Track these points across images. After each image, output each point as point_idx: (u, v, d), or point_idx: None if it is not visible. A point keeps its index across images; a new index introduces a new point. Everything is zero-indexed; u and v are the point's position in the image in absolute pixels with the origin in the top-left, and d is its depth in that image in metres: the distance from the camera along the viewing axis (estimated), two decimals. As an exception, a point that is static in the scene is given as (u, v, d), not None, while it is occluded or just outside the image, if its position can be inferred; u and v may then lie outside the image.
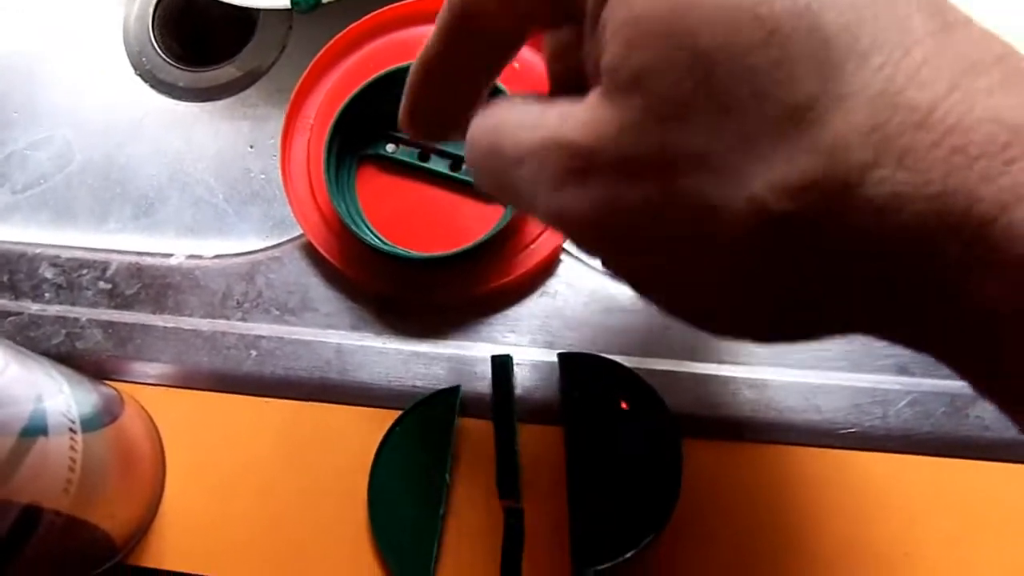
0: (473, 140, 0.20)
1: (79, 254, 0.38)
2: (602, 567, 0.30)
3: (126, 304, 0.37)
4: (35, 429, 0.27)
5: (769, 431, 0.33)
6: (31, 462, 0.27)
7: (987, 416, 0.32)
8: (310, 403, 0.34)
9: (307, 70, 0.38)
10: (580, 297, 0.35)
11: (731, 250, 0.15)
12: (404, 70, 0.35)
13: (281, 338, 0.35)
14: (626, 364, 0.33)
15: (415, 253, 0.34)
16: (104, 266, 0.37)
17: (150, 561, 0.33)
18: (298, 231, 0.38)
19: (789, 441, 0.33)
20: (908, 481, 0.32)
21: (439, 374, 0.34)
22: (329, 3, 0.41)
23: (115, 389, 0.34)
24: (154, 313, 0.36)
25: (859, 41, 0.14)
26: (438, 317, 0.35)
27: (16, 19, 0.50)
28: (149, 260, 0.37)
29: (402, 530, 0.32)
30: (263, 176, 0.45)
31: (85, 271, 0.37)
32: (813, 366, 0.34)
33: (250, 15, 0.48)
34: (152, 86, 0.48)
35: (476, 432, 0.33)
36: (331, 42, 0.38)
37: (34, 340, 0.36)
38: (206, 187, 0.46)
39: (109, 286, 0.37)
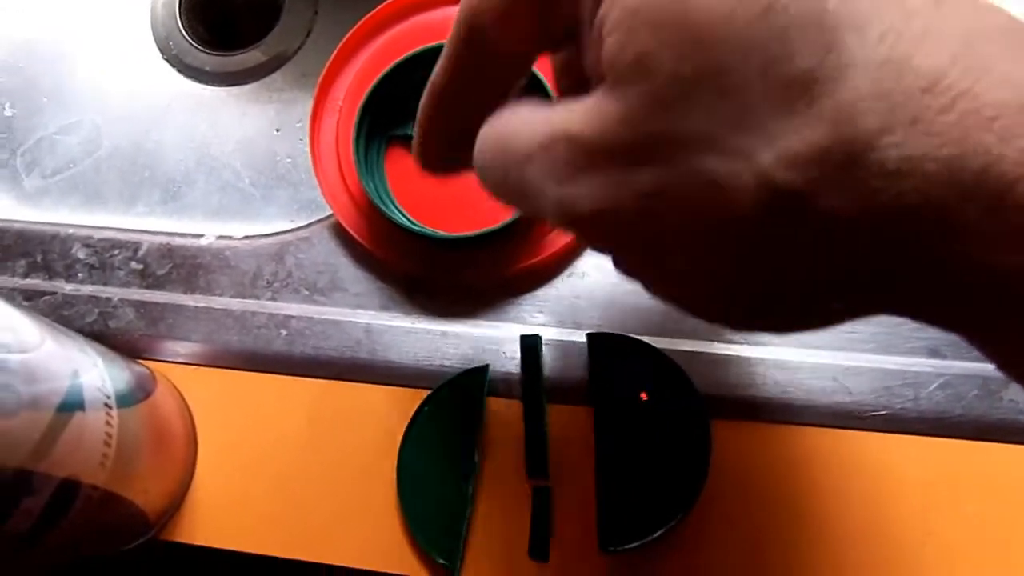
0: (482, 143, 0.20)
1: (111, 235, 0.38)
2: (629, 547, 0.30)
3: (157, 284, 0.37)
4: (72, 404, 0.27)
5: (798, 413, 0.33)
6: (68, 437, 0.27)
7: (1020, 399, 0.32)
8: (339, 382, 0.35)
9: (335, 53, 0.38)
10: (608, 278, 0.35)
11: (740, 230, 0.15)
12: (432, 50, 0.35)
13: (311, 318, 0.36)
14: (654, 345, 0.33)
15: (444, 233, 0.34)
16: (136, 247, 0.38)
17: (182, 536, 0.34)
18: (324, 213, 0.38)
19: (818, 423, 0.32)
20: (940, 464, 0.32)
21: (468, 354, 0.34)
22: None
23: (147, 367, 0.35)
24: (185, 293, 0.37)
25: (858, 12, 0.14)
26: (467, 297, 0.35)
27: (45, 6, 0.51)
28: (180, 241, 0.38)
29: (431, 508, 0.32)
30: (289, 160, 0.45)
31: (117, 252, 0.38)
32: (842, 347, 0.33)
33: (276, 0, 0.48)
34: (179, 71, 0.49)
35: (504, 411, 0.34)
36: (358, 24, 0.38)
37: (68, 319, 0.36)
38: (233, 171, 0.46)
39: (141, 266, 0.37)
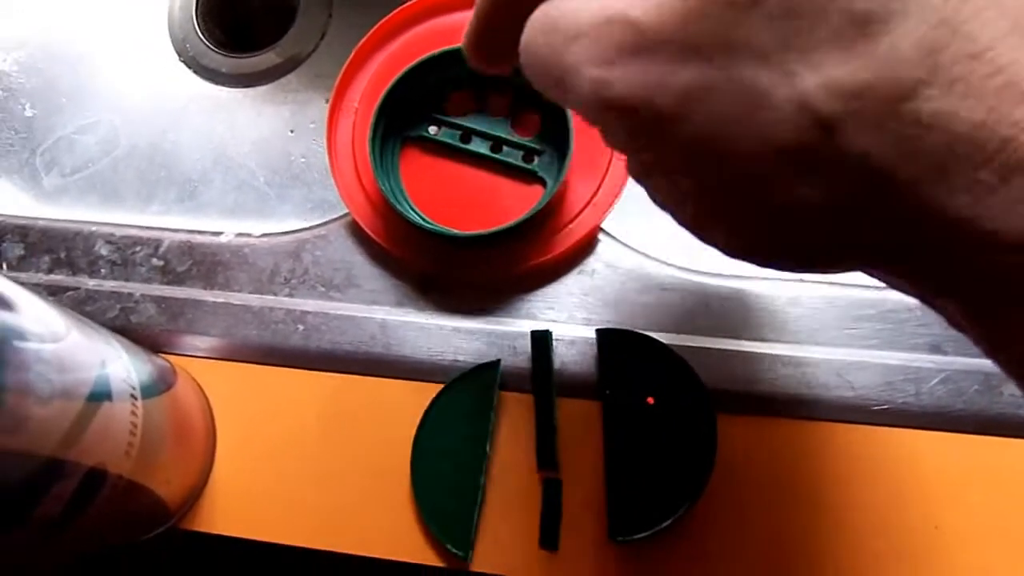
0: (532, 21, 0.20)
1: (133, 232, 0.39)
2: (637, 536, 0.31)
3: (178, 280, 0.38)
4: (101, 394, 0.28)
5: (802, 407, 0.33)
6: (97, 426, 0.28)
7: (1020, 394, 0.33)
8: (355, 376, 0.36)
9: (351, 56, 0.39)
10: (617, 275, 0.36)
11: (764, 149, 0.16)
12: (446, 54, 0.36)
13: (327, 313, 0.36)
14: (662, 340, 0.34)
15: (457, 232, 0.35)
16: (157, 244, 0.39)
17: (201, 526, 0.34)
18: (338, 212, 0.39)
19: (822, 417, 0.33)
20: (941, 458, 0.32)
21: (480, 349, 0.35)
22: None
23: (168, 361, 0.35)
24: (205, 289, 0.38)
25: None
26: (479, 294, 0.36)
27: (65, 9, 0.52)
28: (200, 238, 0.39)
29: (444, 498, 0.33)
30: (303, 160, 0.46)
31: (139, 248, 0.39)
32: (846, 343, 0.34)
33: (291, 2, 0.49)
34: (196, 72, 0.50)
35: (516, 405, 0.34)
36: (374, 28, 0.39)
37: (90, 314, 0.37)
38: (248, 171, 0.47)
39: (162, 263, 0.38)
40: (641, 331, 0.34)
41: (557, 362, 0.35)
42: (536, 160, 0.37)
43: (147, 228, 0.39)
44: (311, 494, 0.34)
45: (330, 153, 0.38)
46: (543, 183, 0.37)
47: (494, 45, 0.23)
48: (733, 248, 0.19)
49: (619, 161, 0.36)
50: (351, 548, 0.33)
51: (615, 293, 0.36)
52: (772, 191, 0.16)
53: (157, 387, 0.32)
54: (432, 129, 0.39)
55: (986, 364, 0.33)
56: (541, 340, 0.34)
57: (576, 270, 0.36)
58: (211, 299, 0.37)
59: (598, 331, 0.34)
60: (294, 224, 0.40)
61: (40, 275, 0.39)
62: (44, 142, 0.49)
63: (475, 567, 0.32)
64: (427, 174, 0.38)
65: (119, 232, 0.39)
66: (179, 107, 0.49)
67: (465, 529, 0.32)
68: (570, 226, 0.36)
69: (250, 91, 0.48)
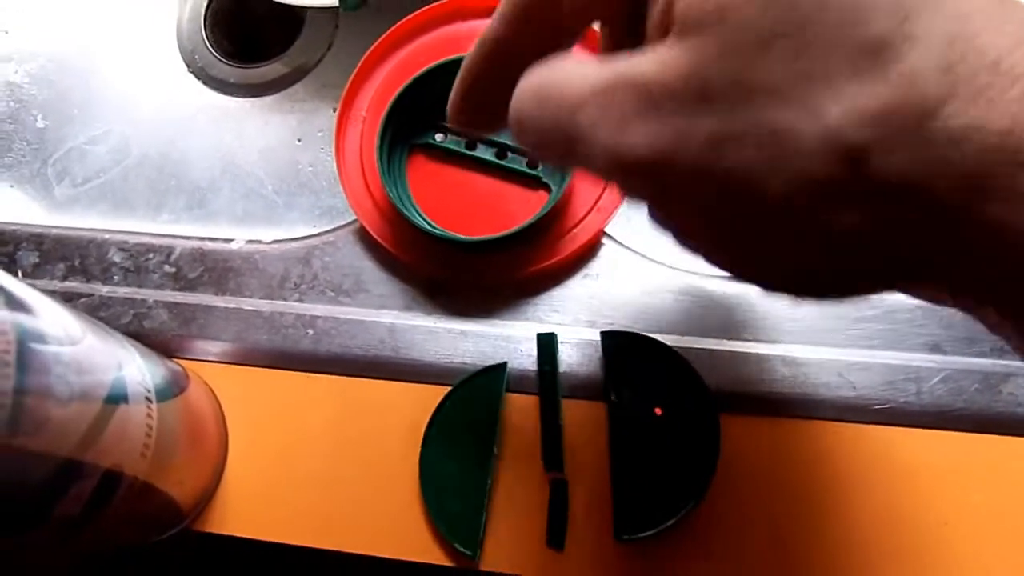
0: (523, 92, 0.19)
1: (145, 239, 0.40)
2: (643, 535, 0.31)
3: (190, 286, 0.39)
4: (117, 396, 0.29)
5: (804, 407, 0.34)
6: (114, 428, 0.28)
7: (1020, 393, 0.33)
8: (364, 379, 0.36)
9: (358, 66, 0.40)
10: (621, 278, 0.37)
11: (802, 188, 0.16)
12: (453, 63, 0.37)
13: (336, 318, 0.37)
14: (666, 342, 0.34)
15: (464, 237, 0.36)
16: (169, 251, 0.39)
17: (213, 527, 0.35)
18: (346, 219, 0.40)
19: (824, 417, 0.34)
20: (941, 456, 0.33)
21: (487, 352, 0.36)
22: (374, 1, 0.43)
23: (180, 366, 0.36)
24: (216, 295, 0.38)
25: None
26: (486, 298, 0.37)
27: (75, 22, 0.53)
28: (211, 245, 0.39)
29: (452, 500, 0.33)
30: (311, 168, 0.47)
31: (151, 255, 0.39)
32: (847, 344, 0.35)
33: (298, 13, 0.50)
34: (204, 83, 0.50)
35: (522, 407, 0.35)
36: (381, 38, 0.40)
37: (104, 320, 0.38)
38: (256, 179, 0.48)
39: (174, 269, 0.39)
40: (645, 333, 0.35)
41: (562, 364, 0.35)
42: (540, 166, 0.38)
43: (159, 236, 0.40)
44: (321, 495, 0.35)
45: (338, 161, 0.39)
46: (548, 188, 0.37)
47: (480, 110, 0.23)
48: (772, 285, 0.19)
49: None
50: (360, 548, 0.34)
51: (619, 296, 0.36)
52: (808, 227, 0.16)
53: (171, 391, 0.33)
54: (438, 136, 0.39)
55: (986, 363, 0.34)
56: (546, 343, 0.35)
57: (580, 274, 0.37)
58: (222, 305, 0.38)
59: (602, 333, 0.35)
60: (302, 231, 0.41)
61: (55, 282, 0.39)
62: (56, 152, 0.50)
63: (483, 566, 0.33)
64: (434, 180, 0.39)
65: (132, 239, 0.40)
66: (188, 117, 0.50)
67: (473, 529, 0.33)
68: (574, 230, 0.36)
69: (258, 101, 0.49)
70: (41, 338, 0.26)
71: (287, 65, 0.50)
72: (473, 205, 0.38)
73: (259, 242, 0.39)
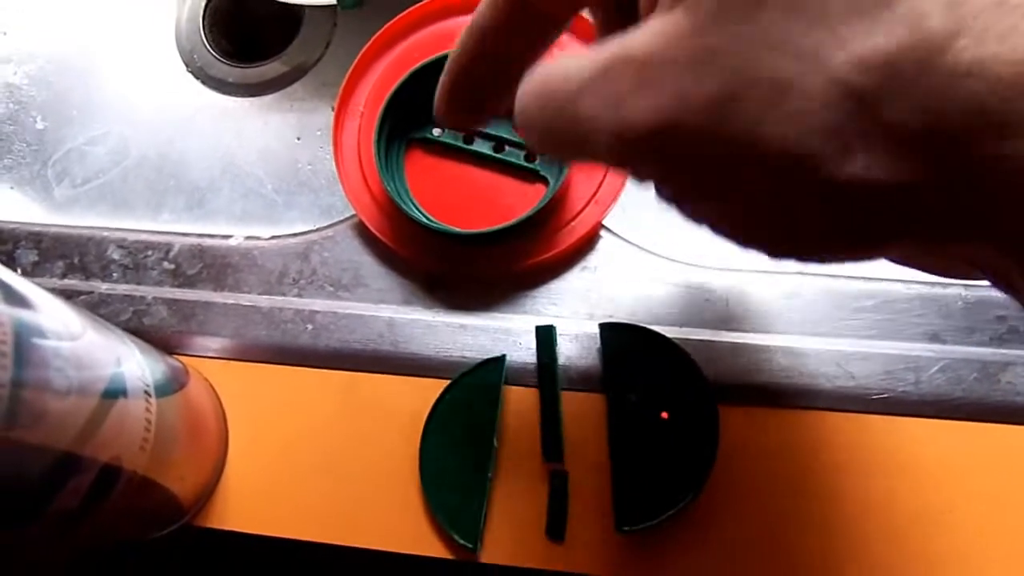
0: (525, 92, 0.19)
1: (144, 237, 0.40)
2: (643, 526, 0.31)
3: (189, 283, 0.39)
4: (116, 391, 0.29)
5: (803, 397, 0.34)
6: (112, 422, 0.28)
7: (1018, 382, 0.33)
8: (364, 374, 0.36)
9: (355, 61, 0.40)
10: (619, 271, 0.37)
11: (812, 139, 0.15)
12: (447, 57, 0.37)
13: (335, 313, 0.37)
14: (664, 334, 0.34)
15: (462, 230, 0.36)
16: (168, 248, 0.40)
17: (213, 522, 0.35)
18: (345, 216, 0.40)
19: (823, 407, 0.34)
20: (940, 445, 0.33)
21: (485, 345, 0.36)
22: (373, -2, 0.43)
23: (180, 362, 0.36)
24: (215, 291, 0.38)
25: None
26: (484, 291, 0.37)
27: (73, 23, 0.53)
28: (209, 242, 0.39)
29: (452, 492, 0.33)
30: (310, 167, 0.47)
31: (150, 252, 0.40)
32: (845, 334, 0.35)
33: (296, 13, 0.50)
34: (203, 82, 0.50)
35: (521, 399, 0.35)
36: (378, 33, 0.40)
37: (104, 317, 0.38)
38: (255, 178, 0.48)
39: (173, 266, 0.39)
40: (643, 325, 0.35)
41: (561, 356, 0.35)
42: (538, 159, 0.38)
43: (158, 233, 0.40)
44: (321, 489, 0.35)
45: (336, 156, 0.39)
46: (545, 182, 0.38)
47: (466, 104, 0.23)
48: (781, 248, 0.18)
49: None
50: (361, 542, 0.34)
51: (617, 288, 0.36)
52: (819, 180, 0.16)
53: (170, 386, 0.33)
54: (436, 131, 0.39)
55: (985, 353, 0.34)
56: (545, 335, 0.35)
57: (579, 266, 0.37)
58: (221, 301, 0.38)
59: (601, 325, 0.35)
60: (302, 229, 0.41)
61: (54, 280, 0.39)
62: (55, 154, 0.50)
63: (483, 558, 0.33)
64: (431, 175, 0.39)
65: (131, 237, 0.40)
66: (187, 117, 0.50)
67: (473, 521, 0.33)
68: (572, 223, 0.36)
69: (257, 100, 0.49)
70: (40, 332, 0.26)
71: (286, 64, 0.50)
72: (471, 199, 0.38)
73: (257, 238, 0.39)
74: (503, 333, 0.36)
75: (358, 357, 0.36)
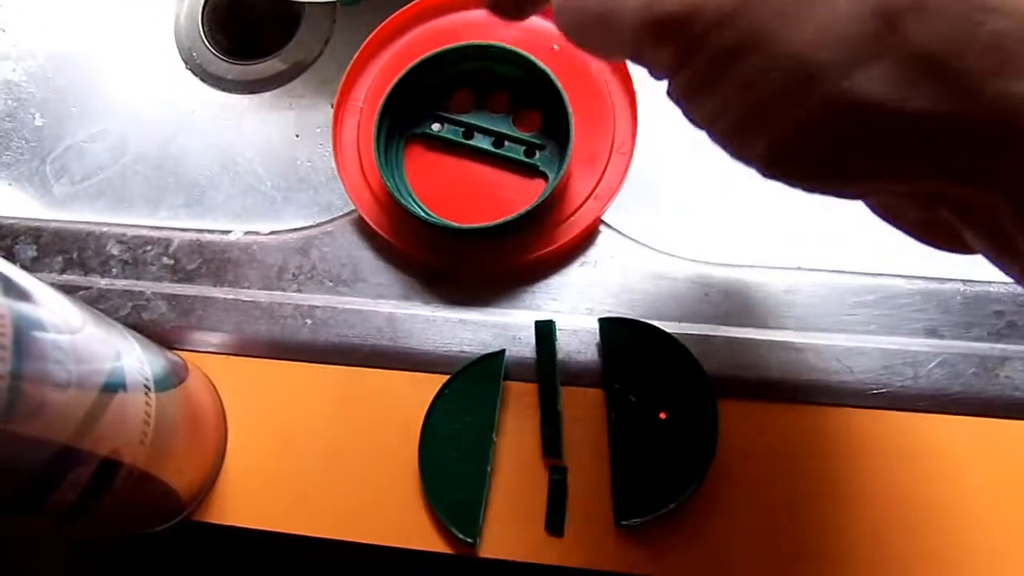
0: None
1: (143, 232, 0.40)
2: (642, 520, 0.32)
3: (188, 278, 0.39)
4: (115, 384, 0.29)
5: (802, 392, 0.34)
6: (111, 415, 0.28)
7: (1016, 376, 0.33)
8: (363, 369, 0.36)
9: (354, 57, 0.40)
10: (619, 266, 0.37)
11: (827, 44, 0.15)
12: (448, 53, 0.37)
13: (335, 308, 0.37)
14: (663, 328, 0.34)
15: (461, 225, 0.36)
16: (167, 243, 0.40)
17: (213, 517, 0.35)
18: (343, 212, 0.40)
19: (821, 401, 0.34)
20: (939, 440, 0.33)
21: (485, 340, 0.36)
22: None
23: (180, 357, 0.36)
24: (214, 286, 0.38)
25: None
26: (483, 286, 0.37)
27: (73, 21, 0.53)
28: (209, 237, 0.39)
29: (452, 486, 0.33)
30: (309, 163, 0.47)
31: (149, 248, 0.40)
32: (844, 329, 0.35)
33: (295, 10, 0.50)
34: (202, 80, 0.51)
35: (521, 394, 0.35)
36: (377, 29, 0.40)
37: (103, 312, 0.38)
38: (255, 175, 0.48)
39: (172, 261, 0.39)
40: (642, 320, 0.35)
41: (560, 351, 0.35)
42: (537, 155, 0.38)
43: (157, 228, 0.40)
44: (320, 484, 0.35)
45: (336, 152, 0.39)
46: (545, 177, 0.38)
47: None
48: (775, 158, 0.18)
49: (619, 155, 0.37)
50: (360, 537, 0.34)
51: (616, 283, 0.36)
52: (826, 88, 0.16)
53: (170, 381, 0.33)
54: (435, 126, 0.39)
55: (983, 347, 0.34)
56: (545, 330, 0.35)
57: (578, 261, 0.37)
58: (221, 296, 0.38)
59: (600, 320, 0.35)
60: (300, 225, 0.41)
61: (53, 275, 0.39)
62: (54, 151, 0.50)
63: (483, 553, 0.33)
64: (431, 170, 0.39)
65: (130, 232, 0.40)
66: (186, 114, 0.50)
67: (473, 516, 0.33)
68: (572, 218, 0.36)
69: (256, 97, 0.49)
70: (40, 326, 0.26)
71: (285, 61, 0.50)
72: (470, 194, 0.38)
73: (257, 233, 0.39)
74: (502, 328, 0.36)
75: (357, 352, 0.36)
